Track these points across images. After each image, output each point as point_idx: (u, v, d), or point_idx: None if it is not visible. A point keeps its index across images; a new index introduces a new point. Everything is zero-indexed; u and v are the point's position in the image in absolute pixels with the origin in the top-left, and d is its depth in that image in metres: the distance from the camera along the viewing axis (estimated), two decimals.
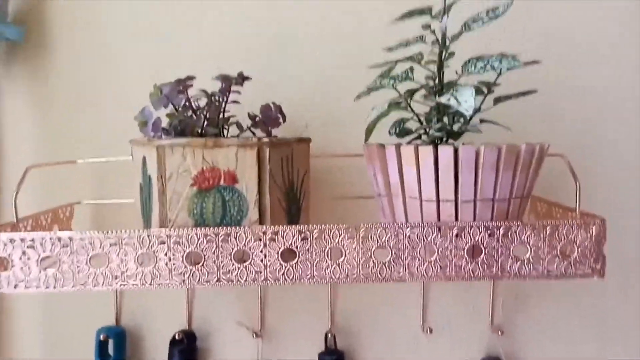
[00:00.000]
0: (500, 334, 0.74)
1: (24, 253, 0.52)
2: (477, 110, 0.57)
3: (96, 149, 0.74)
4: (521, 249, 0.53)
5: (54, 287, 0.52)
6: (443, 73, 0.56)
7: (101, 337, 0.72)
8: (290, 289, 0.76)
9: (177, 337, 0.72)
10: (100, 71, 0.75)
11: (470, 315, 0.76)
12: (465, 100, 0.50)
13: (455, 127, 0.57)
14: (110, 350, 0.74)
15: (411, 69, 0.57)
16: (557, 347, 0.76)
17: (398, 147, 0.54)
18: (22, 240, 0.52)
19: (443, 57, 0.55)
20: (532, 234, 0.52)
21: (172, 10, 0.74)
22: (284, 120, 0.62)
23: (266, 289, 0.76)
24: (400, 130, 0.60)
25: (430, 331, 0.75)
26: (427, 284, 0.76)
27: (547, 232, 0.52)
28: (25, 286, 0.52)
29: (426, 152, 0.52)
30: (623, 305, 0.76)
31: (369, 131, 0.60)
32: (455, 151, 0.51)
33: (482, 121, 0.58)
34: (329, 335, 0.75)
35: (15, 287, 0.52)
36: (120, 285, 0.52)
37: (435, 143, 0.54)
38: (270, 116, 0.62)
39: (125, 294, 0.77)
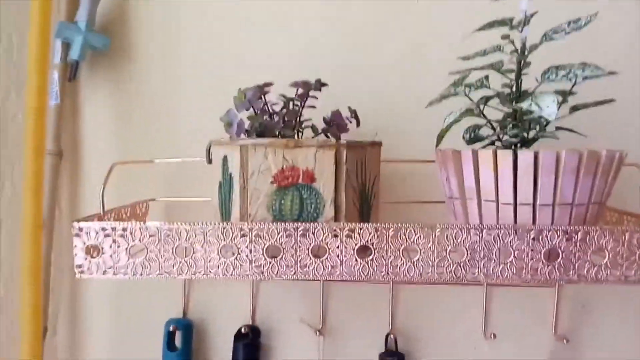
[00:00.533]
0: (565, 342, 0.73)
1: (114, 241, 0.55)
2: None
3: (171, 150, 0.78)
4: (598, 254, 0.52)
5: (141, 275, 0.55)
6: (521, 81, 0.56)
7: (170, 328, 0.75)
8: (353, 289, 0.77)
9: (242, 331, 0.75)
10: (178, 78, 0.79)
11: (534, 323, 0.75)
12: (547, 106, 0.50)
13: (531, 134, 0.57)
14: (178, 342, 0.76)
15: (486, 77, 0.58)
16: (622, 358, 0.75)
17: (475, 151, 0.54)
18: (114, 229, 0.55)
19: (522, 66, 0.56)
20: (611, 240, 0.52)
21: (248, 17, 0.78)
22: (358, 125, 0.64)
23: (329, 288, 0.78)
24: (475, 136, 0.61)
25: (494, 336, 0.74)
26: (490, 289, 0.76)
27: (626, 238, 0.52)
28: (113, 272, 0.55)
29: (505, 155, 0.52)
30: None
31: (440, 137, 0.61)
32: (535, 156, 0.51)
33: (558, 128, 0.59)
34: (390, 336, 0.76)
35: (104, 273, 0.55)
36: (204, 274, 0.54)
37: (511, 148, 0.55)
38: (341, 121, 0.64)
39: (193, 287, 0.80)
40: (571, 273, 0.52)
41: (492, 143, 0.60)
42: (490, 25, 0.54)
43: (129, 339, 0.81)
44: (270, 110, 0.62)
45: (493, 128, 0.59)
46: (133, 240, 0.55)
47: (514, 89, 0.57)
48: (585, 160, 0.51)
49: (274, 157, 0.56)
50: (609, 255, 0.52)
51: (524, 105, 0.51)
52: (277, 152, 0.56)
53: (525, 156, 0.51)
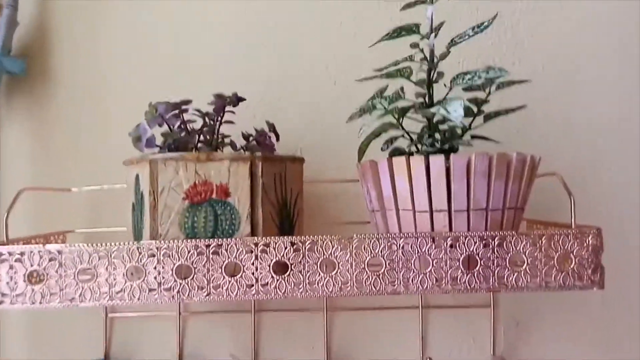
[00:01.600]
0: None
1: (11, 267, 0.51)
2: (467, 128, 0.58)
3: (93, 176, 0.74)
4: (516, 261, 0.52)
5: (40, 303, 0.51)
6: (432, 89, 0.57)
7: None
8: (286, 318, 0.74)
9: None
10: (99, 101, 0.77)
11: (472, 344, 0.73)
12: (454, 110, 0.50)
13: (447, 145, 0.57)
14: None
15: (402, 88, 0.58)
16: None
17: (390, 159, 0.54)
18: (10, 253, 0.51)
19: (432, 75, 0.57)
20: (528, 244, 0.51)
21: (170, 36, 0.77)
22: (278, 139, 0.63)
23: (260, 319, 0.74)
24: (393, 150, 0.61)
25: None
26: (426, 311, 0.74)
27: (543, 242, 0.52)
28: (10, 302, 0.51)
29: (418, 162, 0.52)
30: (626, 335, 0.74)
31: (361, 151, 0.61)
32: (447, 160, 0.51)
33: (473, 137, 0.59)
34: None
35: (0, 303, 0.51)
36: (108, 300, 0.51)
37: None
38: (260, 138, 0.62)
39: (115, 326, 0.74)
40: (491, 280, 0.51)
41: (411, 154, 0.60)
42: (397, 33, 0.54)
43: None
44: (189, 128, 0.61)
45: (411, 139, 0.59)
46: (32, 265, 0.51)
47: (427, 97, 0.57)
48: (496, 163, 0.51)
49: (185, 172, 0.54)
50: (527, 260, 0.51)
51: (433, 110, 0.51)
52: (188, 166, 0.54)
53: (437, 161, 0.51)
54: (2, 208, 0.75)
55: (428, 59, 0.56)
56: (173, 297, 0.51)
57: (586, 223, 0.54)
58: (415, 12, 0.57)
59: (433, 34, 0.55)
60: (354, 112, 0.59)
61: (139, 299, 0.51)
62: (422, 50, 0.56)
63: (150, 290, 0.51)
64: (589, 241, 0.52)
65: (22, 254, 0.51)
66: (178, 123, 0.60)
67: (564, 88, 0.76)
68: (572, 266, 0.51)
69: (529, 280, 0.51)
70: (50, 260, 0.51)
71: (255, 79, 0.76)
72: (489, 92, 0.59)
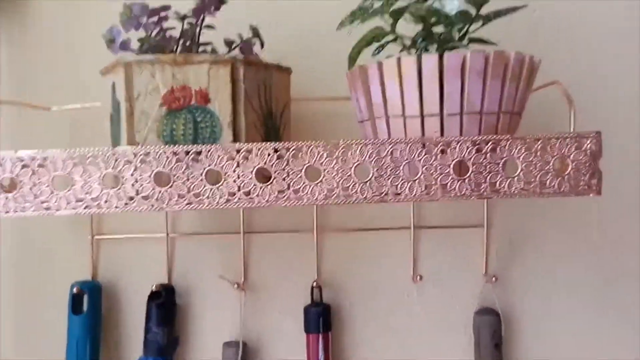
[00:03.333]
0: (494, 280, 0.71)
1: None
2: (466, 31, 0.54)
3: (72, 95, 0.71)
4: (512, 167, 0.49)
5: (15, 212, 0.49)
6: None
7: (74, 290, 0.69)
8: (276, 239, 0.73)
9: (153, 289, 0.69)
10: (78, 15, 0.72)
11: (463, 264, 0.73)
12: (450, 1, 0.47)
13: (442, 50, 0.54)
14: (86, 306, 0.70)
15: None
16: (555, 296, 0.73)
17: (380, 62, 0.51)
18: None
19: None
20: (523, 149, 0.49)
21: None
22: (262, 46, 0.59)
23: (250, 241, 0.73)
24: (385, 56, 0.57)
25: (420, 278, 0.71)
26: (418, 232, 0.73)
27: (539, 147, 0.49)
28: None
29: (409, 62, 0.49)
30: (622, 255, 0.73)
31: (352, 60, 0.57)
32: (441, 59, 0.48)
33: (470, 40, 0.55)
34: (314, 287, 0.71)
35: None
36: (85, 208, 0.49)
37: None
38: (245, 45, 0.59)
39: (103, 247, 0.73)
40: (482, 187, 0.49)
41: None
42: None
43: (35, 302, 0.74)
44: (167, 35, 0.57)
45: (404, 44, 0.55)
46: (4, 172, 0.49)
47: None
48: (492, 61, 0.48)
49: (162, 75, 0.51)
50: (521, 166, 0.49)
51: (428, 3, 0.48)
52: (165, 69, 0.51)
53: (429, 60, 0.48)
54: None
55: None
56: (152, 205, 0.49)
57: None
58: None
59: None
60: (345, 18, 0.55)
61: (116, 207, 0.49)
62: None
63: (129, 198, 0.49)
64: (587, 146, 0.49)
65: None
66: (157, 30, 0.56)
67: None
68: (568, 171, 0.49)
69: (522, 185, 0.49)
70: (22, 167, 0.48)
71: None
72: None
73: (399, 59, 0.49)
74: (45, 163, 0.48)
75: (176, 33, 0.57)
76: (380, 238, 0.73)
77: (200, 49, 0.58)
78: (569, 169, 0.49)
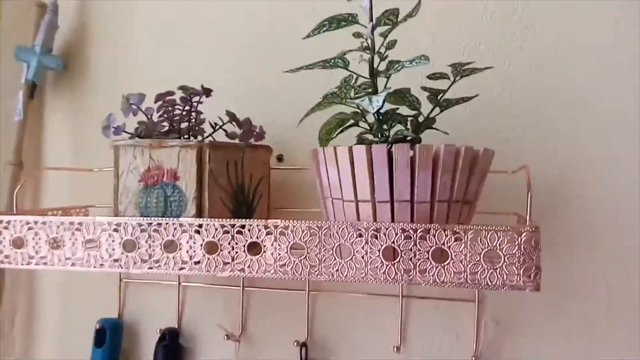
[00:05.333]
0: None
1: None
2: (431, 120, 0.57)
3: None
4: (440, 255, 0.50)
5: (21, 265, 0.60)
6: (376, 79, 0.56)
7: (97, 326, 0.79)
8: (274, 296, 0.77)
9: (157, 332, 0.77)
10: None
11: (452, 339, 0.71)
12: (377, 101, 0.50)
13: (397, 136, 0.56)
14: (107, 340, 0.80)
15: (351, 76, 0.58)
16: None
17: (322, 149, 0.54)
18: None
19: (373, 63, 0.55)
20: (453, 238, 0.49)
21: (190, 31, 0.83)
22: (240, 127, 0.66)
23: (250, 295, 0.79)
24: (359, 139, 0.60)
25: (404, 350, 0.71)
26: (408, 302, 0.73)
27: (469, 237, 0.49)
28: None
29: (343, 152, 0.52)
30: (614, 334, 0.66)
31: (321, 140, 0.60)
32: (370, 150, 0.50)
33: (427, 128, 0.57)
34: (301, 345, 0.75)
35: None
36: (71, 266, 0.58)
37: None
38: (247, 129, 0.66)
39: (129, 290, 0.84)
40: (412, 273, 0.50)
41: (371, 144, 0.59)
42: (332, 22, 0.54)
43: (73, 337, 0.86)
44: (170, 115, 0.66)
45: (370, 127, 0.58)
46: (15, 233, 0.60)
47: (372, 89, 0.56)
48: (419, 155, 0.49)
49: (141, 156, 0.60)
50: (451, 255, 0.49)
51: (358, 100, 0.51)
52: (144, 151, 0.59)
53: (360, 151, 0.51)
54: (43, 182, 0.89)
55: (370, 48, 0.55)
56: (120, 266, 0.57)
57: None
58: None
59: (371, 23, 0.54)
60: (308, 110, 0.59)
61: (94, 267, 0.57)
62: (366, 40, 0.55)
63: (103, 259, 0.57)
64: (521, 239, 0.48)
65: (8, 222, 0.60)
66: (161, 112, 0.65)
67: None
68: (500, 264, 0.48)
69: (452, 275, 0.49)
70: (28, 229, 0.59)
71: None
72: (453, 81, 0.57)
73: (334, 148, 0.52)
74: (44, 227, 0.59)
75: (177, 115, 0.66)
76: (371, 303, 0.74)
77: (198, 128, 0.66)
78: (501, 262, 0.48)
